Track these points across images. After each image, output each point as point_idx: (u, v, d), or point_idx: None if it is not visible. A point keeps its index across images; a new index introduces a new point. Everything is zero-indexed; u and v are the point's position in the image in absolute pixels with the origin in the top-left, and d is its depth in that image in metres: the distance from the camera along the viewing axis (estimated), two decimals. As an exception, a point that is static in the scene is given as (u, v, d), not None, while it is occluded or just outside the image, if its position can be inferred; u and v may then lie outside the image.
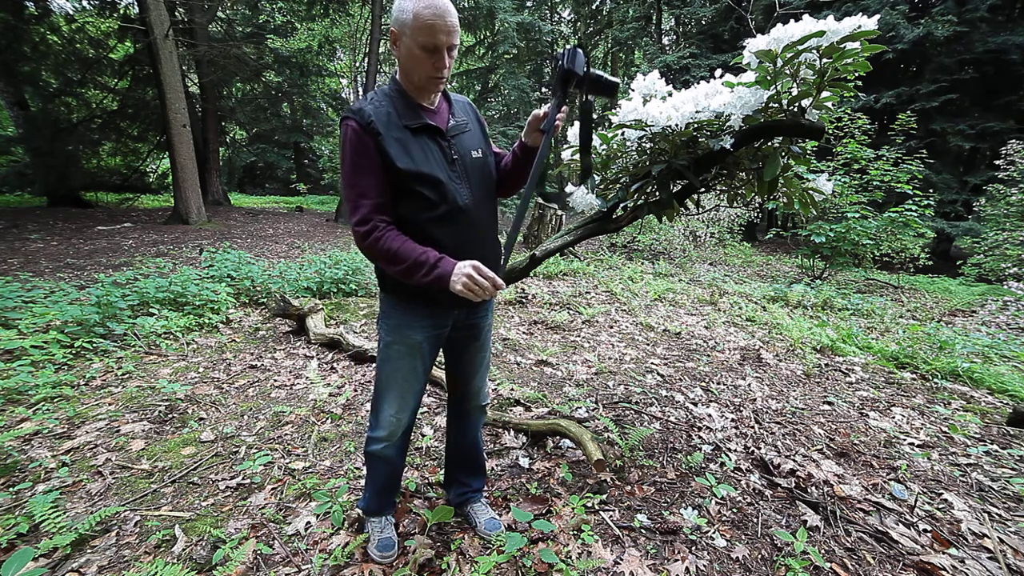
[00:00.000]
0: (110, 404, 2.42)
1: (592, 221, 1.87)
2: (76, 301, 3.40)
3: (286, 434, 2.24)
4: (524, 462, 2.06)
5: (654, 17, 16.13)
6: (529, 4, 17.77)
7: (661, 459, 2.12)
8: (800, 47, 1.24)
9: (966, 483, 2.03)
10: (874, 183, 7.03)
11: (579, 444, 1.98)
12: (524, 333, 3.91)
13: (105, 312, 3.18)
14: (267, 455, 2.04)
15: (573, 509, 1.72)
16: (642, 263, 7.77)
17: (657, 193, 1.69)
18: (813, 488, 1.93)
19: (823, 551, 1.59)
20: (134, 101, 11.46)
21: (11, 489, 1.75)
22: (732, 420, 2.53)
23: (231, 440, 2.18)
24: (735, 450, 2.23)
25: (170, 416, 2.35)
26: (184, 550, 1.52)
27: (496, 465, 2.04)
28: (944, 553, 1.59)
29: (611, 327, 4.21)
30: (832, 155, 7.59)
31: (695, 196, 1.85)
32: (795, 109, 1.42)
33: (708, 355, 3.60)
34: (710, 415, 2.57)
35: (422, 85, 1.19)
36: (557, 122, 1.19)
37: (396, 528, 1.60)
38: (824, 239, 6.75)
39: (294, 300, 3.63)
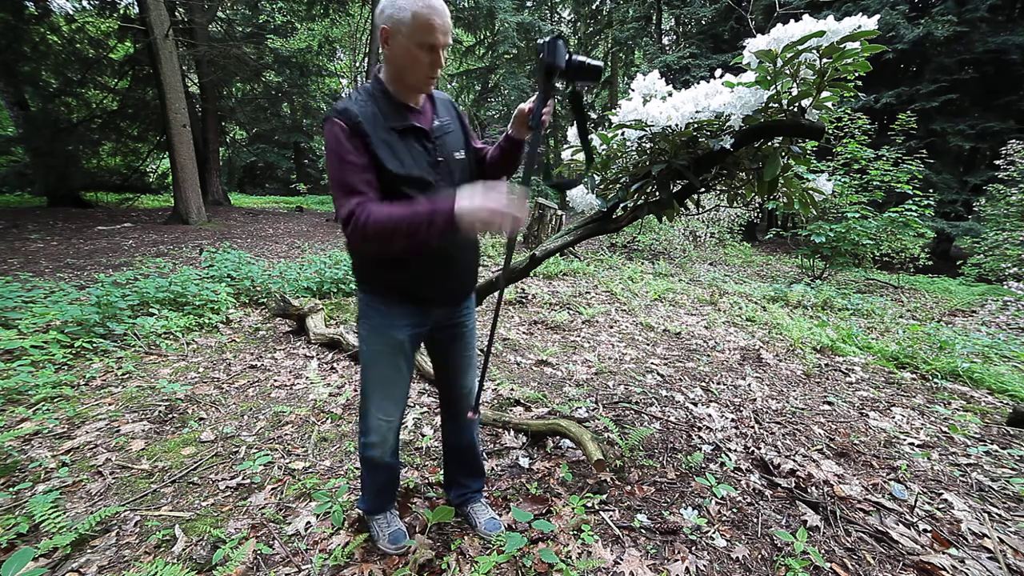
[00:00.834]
0: (110, 404, 2.42)
1: (592, 221, 1.87)
2: (76, 301, 3.40)
3: (286, 434, 2.24)
4: (524, 462, 2.06)
5: (654, 17, 16.13)
6: (529, 4, 17.77)
7: (661, 459, 2.12)
8: (800, 47, 1.24)
9: (966, 483, 2.03)
10: (874, 183, 7.03)
11: (579, 444, 1.98)
12: (524, 333, 3.91)
13: (105, 312, 3.18)
14: (267, 455, 2.04)
15: (573, 509, 1.72)
16: (642, 263, 7.77)
17: (657, 193, 1.69)
18: (813, 488, 1.93)
19: (823, 551, 1.59)
20: (134, 101, 11.46)
21: (11, 489, 1.75)
22: (732, 420, 2.53)
23: (231, 440, 2.18)
24: (735, 450, 2.23)
25: (170, 416, 2.35)
26: (184, 550, 1.52)
27: (496, 465, 2.04)
28: (944, 553, 1.59)
29: (611, 327, 4.21)
30: (832, 155, 7.58)
31: (695, 196, 1.85)
32: (795, 109, 1.42)
33: (708, 355, 3.60)
34: (710, 415, 2.57)
35: (415, 85, 1.17)
36: (545, 116, 1.17)
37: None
38: (824, 239, 6.75)
39: (294, 300, 3.63)
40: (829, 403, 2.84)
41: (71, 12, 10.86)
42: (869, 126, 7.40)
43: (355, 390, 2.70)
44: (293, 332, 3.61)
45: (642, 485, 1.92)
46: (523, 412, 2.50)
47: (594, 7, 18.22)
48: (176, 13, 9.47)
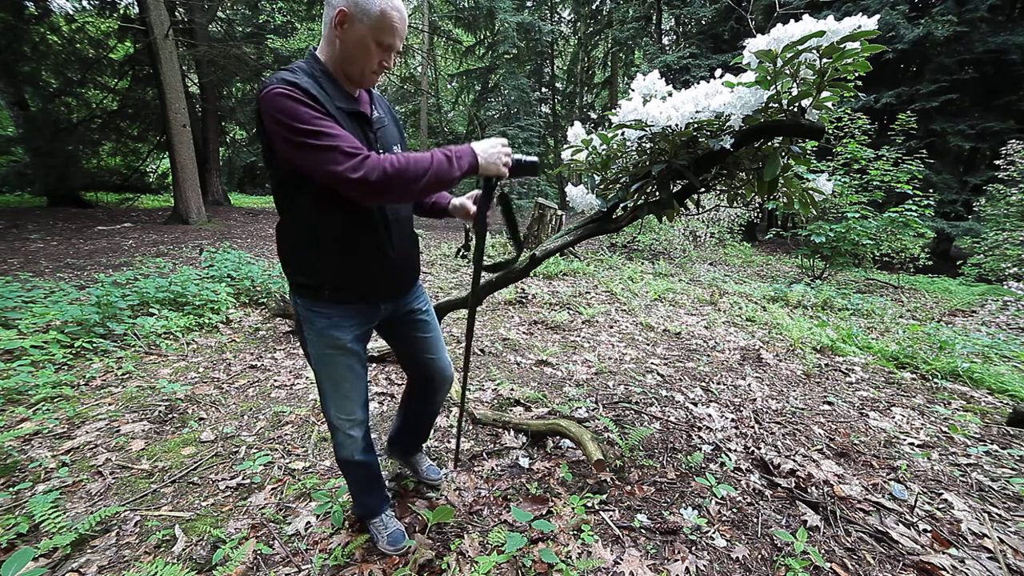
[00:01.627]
0: (110, 404, 2.42)
1: (592, 221, 1.87)
2: (76, 301, 3.40)
3: (286, 434, 2.24)
4: (524, 462, 2.06)
5: (654, 17, 16.13)
6: (529, 4, 17.76)
7: (661, 459, 2.12)
8: (800, 47, 1.24)
9: (966, 483, 2.03)
10: (874, 183, 7.03)
11: (579, 444, 1.98)
12: (524, 333, 3.91)
13: (105, 312, 3.18)
14: (267, 455, 2.04)
15: (573, 509, 1.72)
16: (642, 263, 7.77)
17: (657, 193, 1.69)
18: (813, 488, 1.93)
19: (823, 551, 1.59)
20: (134, 101, 11.46)
21: (11, 489, 1.76)
22: (732, 420, 2.53)
23: (231, 440, 2.18)
24: (735, 450, 2.23)
25: (170, 416, 2.35)
26: (184, 550, 1.52)
27: (496, 465, 2.04)
28: (944, 553, 1.59)
29: (611, 327, 4.21)
30: (832, 155, 7.58)
31: (695, 196, 1.85)
32: (795, 109, 1.42)
33: (708, 355, 3.60)
34: (710, 415, 2.57)
35: (358, 77, 1.14)
36: (488, 218, 1.30)
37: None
38: (824, 239, 6.75)
39: (294, 300, 3.62)
40: (829, 403, 2.84)
41: (71, 12, 10.86)
42: (869, 126, 7.40)
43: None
44: (293, 332, 3.61)
45: (642, 485, 1.92)
46: (523, 412, 2.50)
47: (594, 7, 18.22)
48: (176, 13, 9.47)
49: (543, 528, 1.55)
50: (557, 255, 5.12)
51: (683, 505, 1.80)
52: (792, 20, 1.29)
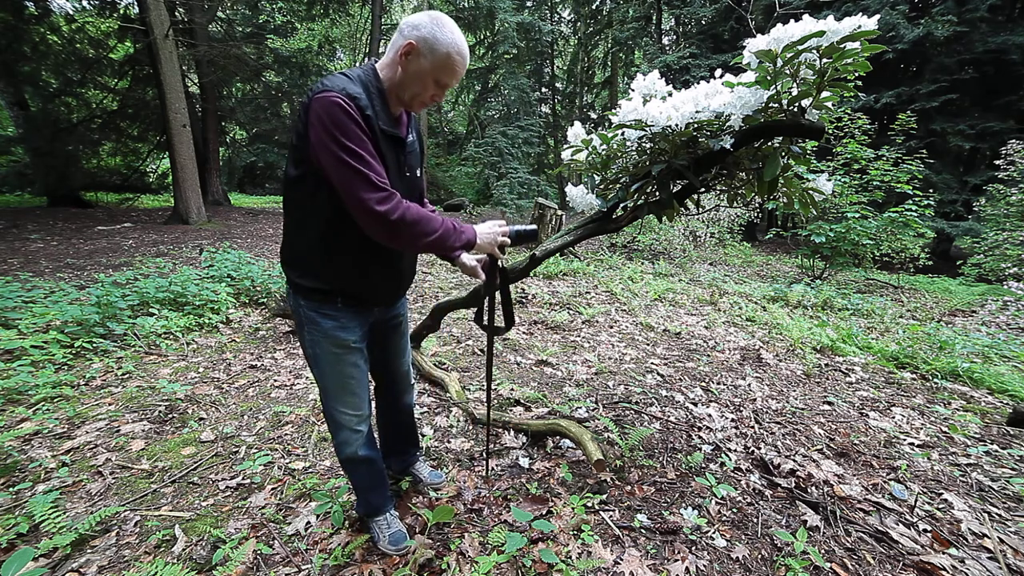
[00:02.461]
0: (110, 404, 2.42)
1: (592, 221, 1.87)
2: (76, 301, 3.40)
3: (286, 434, 2.24)
4: (524, 462, 2.06)
5: (654, 17, 16.13)
6: (529, 4, 17.77)
7: (661, 459, 2.12)
8: (800, 47, 1.24)
9: (966, 483, 2.03)
10: (874, 183, 7.02)
11: (579, 444, 1.98)
12: (524, 333, 3.91)
13: (105, 312, 3.18)
14: (267, 455, 2.04)
15: (573, 509, 1.72)
16: (642, 263, 7.77)
17: (657, 193, 1.69)
18: (813, 488, 1.93)
19: (823, 551, 1.59)
20: (134, 101, 11.46)
21: (11, 489, 1.76)
22: (732, 420, 2.53)
23: (231, 440, 2.18)
24: (735, 450, 2.23)
25: (170, 416, 2.35)
26: (184, 550, 1.52)
27: (496, 465, 2.04)
28: (944, 553, 1.59)
29: (611, 327, 4.21)
30: (832, 155, 7.58)
31: (695, 196, 1.85)
32: (795, 109, 1.42)
33: (708, 355, 3.60)
34: (710, 415, 2.57)
35: (407, 103, 1.20)
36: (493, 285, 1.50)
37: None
38: (824, 239, 6.75)
39: (294, 300, 3.62)
40: (829, 403, 2.84)
41: (71, 12, 10.86)
42: (869, 126, 7.40)
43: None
44: (293, 332, 3.61)
45: (642, 485, 1.92)
46: (523, 412, 2.50)
47: (594, 7, 18.23)
48: (176, 13, 9.46)
49: (543, 528, 1.55)
50: (557, 255, 5.12)
51: (683, 505, 1.80)
52: (792, 20, 1.30)
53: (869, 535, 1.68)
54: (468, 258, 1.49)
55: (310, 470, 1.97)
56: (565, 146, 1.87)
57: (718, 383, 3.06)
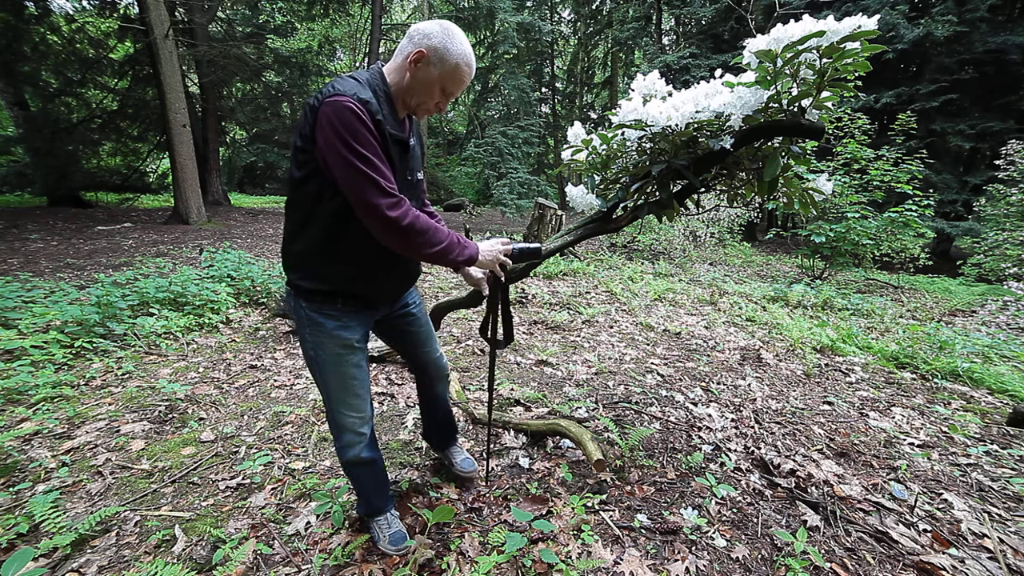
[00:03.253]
0: (110, 404, 2.42)
1: (592, 221, 1.87)
2: (76, 301, 3.40)
3: (286, 434, 2.24)
4: (524, 462, 2.06)
5: (654, 17, 16.13)
6: (529, 4, 17.77)
7: (661, 459, 2.12)
8: (800, 47, 1.24)
9: (966, 483, 2.03)
10: (874, 183, 7.03)
11: (579, 444, 1.98)
12: (524, 333, 3.91)
13: (105, 312, 3.18)
14: (267, 455, 2.04)
15: (573, 509, 1.72)
16: (642, 263, 7.77)
17: (657, 193, 1.69)
18: (813, 488, 1.93)
19: (823, 551, 1.59)
20: (134, 101, 11.46)
21: (11, 489, 1.76)
22: (732, 420, 2.53)
23: (231, 440, 2.18)
24: (735, 450, 2.23)
25: (170, 416, 2.35)
26: (184, 550, 1.52)
27: (496, 465, 2.04)
28: (944, 553, 1.59)
29: (611, 327, 4.21)
30: (832, 155, 7.58)
31: (695, 196, 1.85)
32: (795, 109, 1.42)
33: (708, 355, 3.60)
34: (710, 415, 2.57)
35: (412, 108, 1.24)
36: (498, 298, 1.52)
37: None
38: (824, 239, 6.75)
39: (294, 300, 3.62)
40: (829, 403, 2.84)
41: (71, 12, 10.86)
42: (869, 126, 7.40)
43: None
44: (293, 332, 3.61)
45: (642, 485, 1.92)
46: (523, 412, 2.50)
47: (594, 7, 18.23)
48: (176, 13, 9.46)
49: (543, 528, 1.55)
50: (557, 255, 5.12)
51: (683, 505, 1.80)
52: (792, 20, 1.30)
53: (869, 535, 1.68)
54: (475, 270, 1.51)
55: (310, 470, 1.97)
56: (565, 146, 1.87)
57: (718, 383, 3.06)
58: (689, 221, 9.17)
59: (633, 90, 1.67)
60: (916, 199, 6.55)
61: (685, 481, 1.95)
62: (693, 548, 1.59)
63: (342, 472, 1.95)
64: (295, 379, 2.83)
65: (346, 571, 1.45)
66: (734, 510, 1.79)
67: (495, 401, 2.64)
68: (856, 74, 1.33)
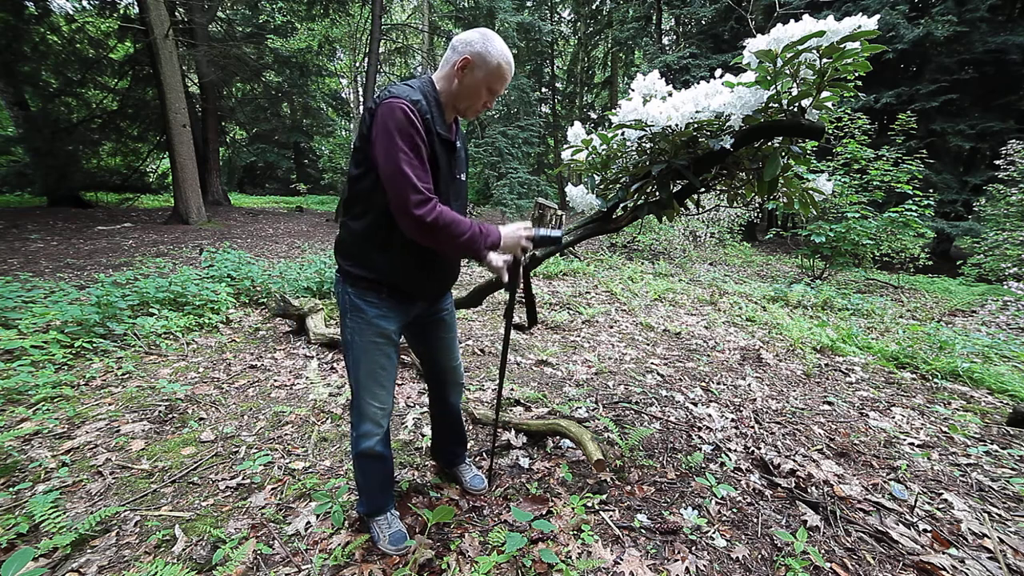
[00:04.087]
0: (110, 404, 2.42)
1: (592, 221, 1.87)
2: (76, 301, 3.40)
3: (286, 434, 2.24)
4: (524, 462, 2.06)
5: (654, 17, 16.13)
6: (529, 4, 17.78)
7: (661, 459, 2.12)
8: (800, 47, 1.24)
9: (966, 483, 2.03)
10: (874, 183, 7.03)
11: (579, 444, 1.98)
12: (524, 333, 3.90)
13: (105, 312, 3.18)
14: (267, 455, 2.04)
15: (573, 509, 1.72)
16: (642, 263, 7.77)
17: (657, 193, 1.69)
18: (813, 488, 1.93)
19: (823, 551, 1.59)
20: (134, 101, 11.47)
21: (11, 489, 1.75)
22: (732, 420, 2.53)
23: (231, 440, 2.18)
24: (735, 450, 2.23)
25: (170, 416, 2.35)
26: (184, 550, 1.52)
27: (496, 465, 2.04)
28: (944, 553, 1.59)
29: (611, 327, 4.21)
30: (832, 155, 7.59)
31: (695, 196, 1.85)
32: (795, 109, 1.42)
33: (708, 355, 3.60)
34: (710, 415, 2.57)
35: (464, 112, 1.33)
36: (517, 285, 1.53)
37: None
38: (824, 239, 6.75)
39: (294, 300, 3.63)
40: (829, 403, 2.84)
41: (71, 12, 10.86)
42: (869, 126, 7.41)
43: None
44: (293, 332, 3.61)
45: (642, 485, 1.92)
46: (523, 412, 2.50)
47: (594, 7, 18.23)
48: (176, 13, 9.47)
49: (543, 528, 1.55)
50: (557, 255, 5.11)
51: (683, 505, 1.80)
52: (792, 20, 1.30)
53: (869, 535, 1.68)
54: (496, 258, 1.53)
55: (310, 470, 1.97)
56: (565, 146, 1.87)
57: (718, 383, 3.06)
58: (689, 221, 9.17)
59: (633, 90, 1.67)
60: (916, 199, 6.55)
61: (685, 481, 1.95)
62: (693, 548, 1.59)
63: (342, 472, 1.95)
64: (295, 379, 2.84)
65: (346, 571, 1.45)
66: (734, 510, 1.79)
67: (496, 400, 2.64)
68: (856, 74, 1.33)
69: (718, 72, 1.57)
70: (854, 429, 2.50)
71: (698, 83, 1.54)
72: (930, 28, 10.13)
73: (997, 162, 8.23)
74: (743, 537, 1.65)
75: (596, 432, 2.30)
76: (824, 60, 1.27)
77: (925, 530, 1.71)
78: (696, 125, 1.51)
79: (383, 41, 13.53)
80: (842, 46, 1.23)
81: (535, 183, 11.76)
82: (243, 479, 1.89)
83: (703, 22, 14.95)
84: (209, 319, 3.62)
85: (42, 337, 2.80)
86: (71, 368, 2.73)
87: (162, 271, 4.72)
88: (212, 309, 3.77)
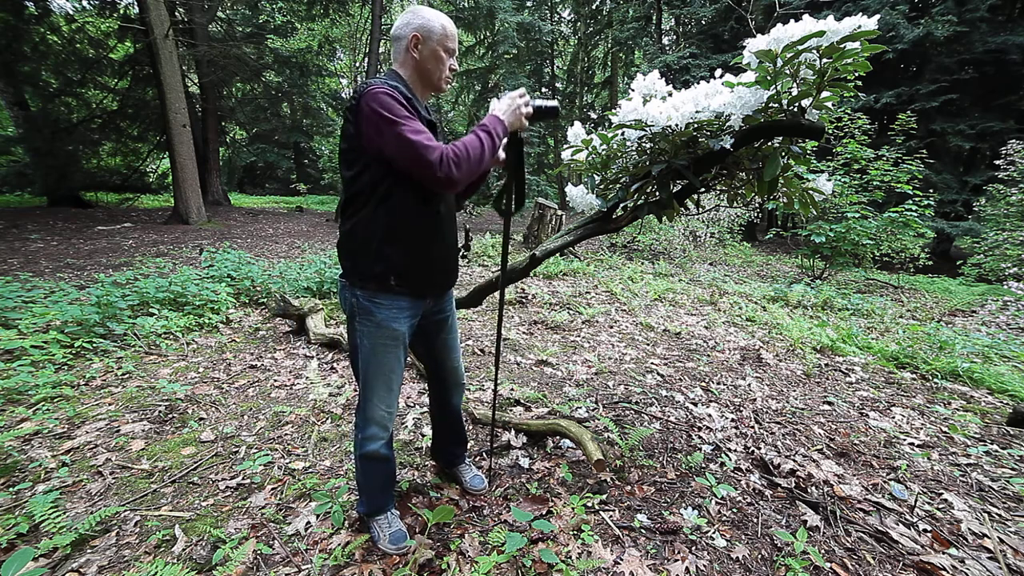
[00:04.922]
0: (110, 404, 2.42)
1: (592, 221, 1.87)
2: (76, 301, 3.40)
3: (286, 434, 2.24)
4: (524, 462, 2.06)
5: (654, 17, 16.13)
6: (529, 4, 17.77)
7: (661, 459, 2.12)
8: (800, 47, 1.24)
9: (966, 483, 2.03)
10: (874, 183, 7.03)
11: (579, 444, 1.98)
12: (524, 333, 3.90)
13: (105, 312, 3.18)
14: (267, 455, 2.04)
15: (573, 509, 1.72)
16: (642, 263, 7.77)
17: (657, 193, 1.69)
18: (813, 488, 1.93)
19: (823, 551, 1.59)
20: (134, 101, 11.47)
21: (11, 489, 1.75)
22: (732, 420, 2.53)
23: (231, 440, 2.18)
24: (735, 450, 2.23)
25: (170, 416, 2.35)
26: (184, 550, 1.52)
27: (496, 465, 2.04)
28: (944, 553, 1.59)
29: (611, 327, 4.21)
30: (832, 155, 7.58)
31: (695, 196, 1.85)
32: (795, 109, 1.42)
33: (708, 355, 3.60)
34: (710, 415, 2.57)
35: (437, 83, 1.37)
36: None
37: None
38: (824, 239, 6.75)
39: (294, 300, 3.63)
40: (829, 403, 2.84)
41: (71, 12, 10.87)
42: (869, 126, 7.40)
43: (355, 390, 2.70)
44: (293, 332, 3.61)
45: (642, 485, 1.92)
46: (523, 412, 2.50)
47: (594, 7, 18.23)
48: (176, 13, 9.47)
49: (543, 528, 1.55)
50: (557, 255, 5.12)
51: (683, 505, 1.80)
52: (792, 20, 1.30)
53: (869, 535, 1.68)
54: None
55: (310, 470, 1.97)
56: (565, 146, 1.87)
57: (718, 383, 3.06)
58: (689, 221, 9.17)
59: (633, 90, 1.67)
60: (916, 199, 6.55)
61: (685, 481, 1.95)
62: (693, 548, 1.59)
63: (342, 472, 1.95)
64: (295, 379, 2.84)
65: (346, 571, 1.45)
66: (734, 510, 1.79)
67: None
68: (856, 74, 1.33)
69: (718, 72, 1.57)
70: (854, 429, 2.50)
71: (698, 83, 1.54)
72: (930, 28, 10.13)
73: (997, 162, 8.23)
74: (743, 537, 1.65)
75: (596, 432, 2.30)
76: (824, 60, 1.27)
77: (925, 530, 1.71)
78: (696, 125, 1.51)
79: (383, 41, 13.53)
80: (842, 46, 1.23)
81: (535, 183, 11.76)
82: (243, 479, 1.89)
83: (703, 22, 14.94)
84: (209, 319, 3.62)
85: (42, 337, 2.80)
86: (71, 368, 2.73)
87: (162, 271, 4.72)
88: (212, 309, 3.77)
